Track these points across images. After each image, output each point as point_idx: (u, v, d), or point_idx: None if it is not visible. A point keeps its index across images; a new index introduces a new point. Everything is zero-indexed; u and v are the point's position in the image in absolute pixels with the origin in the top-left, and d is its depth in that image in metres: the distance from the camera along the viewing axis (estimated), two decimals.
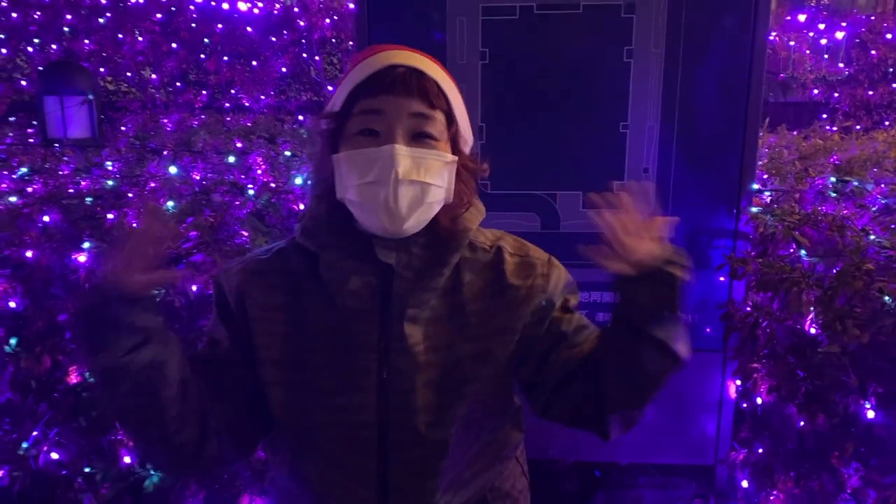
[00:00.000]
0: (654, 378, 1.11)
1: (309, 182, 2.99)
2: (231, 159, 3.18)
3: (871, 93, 6.73)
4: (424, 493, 1.17)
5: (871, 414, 1.91)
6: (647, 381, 1.11)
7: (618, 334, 1.12)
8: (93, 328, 1.02)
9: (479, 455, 1.24)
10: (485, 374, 1.16)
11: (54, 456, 2.33)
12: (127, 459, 2.33)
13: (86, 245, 2.28)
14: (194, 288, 2.24)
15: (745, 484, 2.38)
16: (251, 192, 2.62)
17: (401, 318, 1.12)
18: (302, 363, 1.15)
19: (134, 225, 2.47)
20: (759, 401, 2.41)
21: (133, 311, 1.02)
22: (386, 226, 1.09)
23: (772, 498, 2.20)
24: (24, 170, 3.22)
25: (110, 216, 2.47)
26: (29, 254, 2.36)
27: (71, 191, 2.87)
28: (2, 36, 8.31)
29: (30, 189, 2.94)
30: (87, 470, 2.33)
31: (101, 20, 8.28)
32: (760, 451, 2.36)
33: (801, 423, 2.12)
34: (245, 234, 2.26)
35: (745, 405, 2.55)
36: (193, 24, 8.38)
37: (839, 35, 7.13)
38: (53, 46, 8.31)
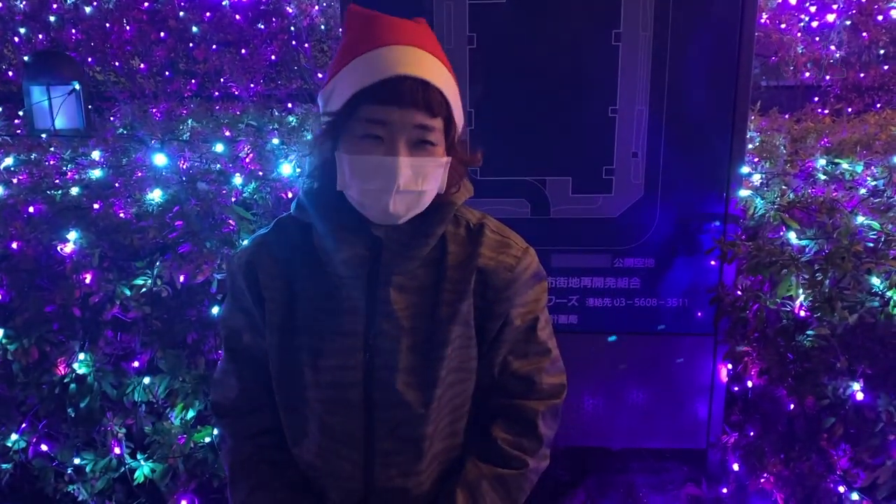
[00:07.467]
0: None
1: (302, 164, 2.96)
2: (219, 148, 3.15)
3: (862, 75, 6.71)
4: (409, 458, 1.24)
5: (859, 395, 1.91)
6: None
7: None
8: None
9: (459, 415, 1.30)
10: (457, 334, 1.23)
11: (44, 448, 2.33)
12: (117, 450, 2.32)
13: (71, 235, 2.26)
14: (182, 278, 2.22)
15: (735, 467, 2.38)
16: (238, 180, 2.59)
17: (387, 284, 1.21)
18: (295, 327, 1.24)
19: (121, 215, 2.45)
20: (749, 384, 2.41)
21: None
22: (382, 221, 1.19)
23: (762, 480, 2.21)
24: (9, 161, 3.19)
25: (96, 206, 2.45)
26: (14, 245, 2.35)
27: (57, 181, 2.84)
28: None
29: (15, 180, 2.91)
30: (77, 461, 2.32)
31: (87, 9, 8.19)
32: (752, 434, 2.37)
33: (791, 406, 2.12)
34: (232, 222, 2.24)
35: (736, 389, 2.56)
36: (181, 13, 8.30)
37: (830, 17, 7.09)
38: (40, 36, 8.22)
